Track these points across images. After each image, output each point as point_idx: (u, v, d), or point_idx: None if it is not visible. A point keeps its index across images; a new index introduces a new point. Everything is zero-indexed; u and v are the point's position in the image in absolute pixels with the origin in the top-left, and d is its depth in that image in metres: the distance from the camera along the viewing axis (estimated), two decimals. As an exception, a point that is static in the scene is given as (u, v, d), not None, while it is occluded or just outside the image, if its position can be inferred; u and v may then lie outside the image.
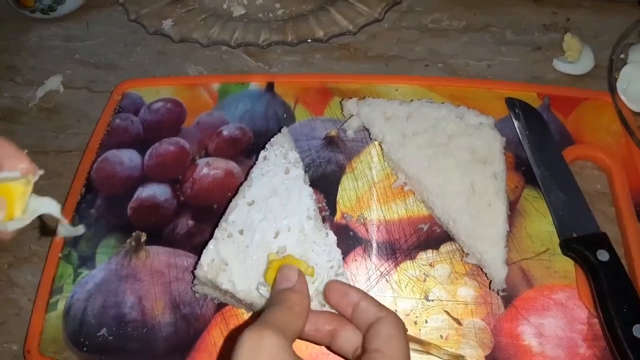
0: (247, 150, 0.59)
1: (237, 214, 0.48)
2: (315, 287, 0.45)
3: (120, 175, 0.57)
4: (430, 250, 0.52)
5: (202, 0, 0.73)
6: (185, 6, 0.71)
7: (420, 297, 0.50)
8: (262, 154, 0.53)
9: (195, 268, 0.47)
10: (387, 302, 0.50)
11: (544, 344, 0.48)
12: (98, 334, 0.49)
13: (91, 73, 0.68)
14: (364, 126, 0.58)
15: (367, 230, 0.53)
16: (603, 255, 0.49)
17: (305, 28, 0.68)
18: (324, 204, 0.55)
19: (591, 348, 0.48)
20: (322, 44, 0.68)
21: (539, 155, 0.56)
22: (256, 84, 0.63)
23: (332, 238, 0.47)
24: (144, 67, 0.68)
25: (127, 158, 0.58)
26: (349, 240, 0.53)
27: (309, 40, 0.67)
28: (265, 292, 0.44)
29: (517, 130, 0.58)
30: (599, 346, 0.48)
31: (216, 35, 0.67)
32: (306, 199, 0.49)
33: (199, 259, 0.48)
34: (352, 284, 0.50)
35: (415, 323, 0.49)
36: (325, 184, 0.56)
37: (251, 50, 0.68)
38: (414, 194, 0.55)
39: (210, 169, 0.57)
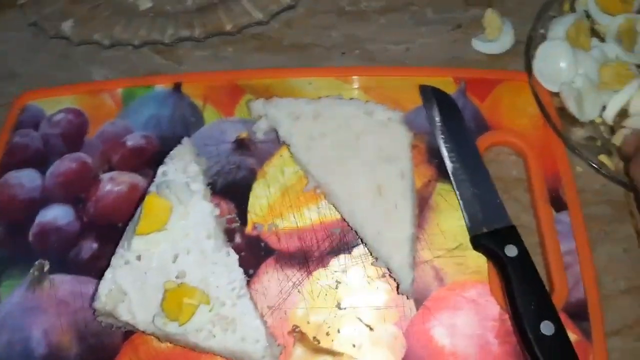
0: (153, 160, 0.56)
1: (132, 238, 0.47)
2: (214, 312, 0.44)
3: (21, 198, 0.55)
4: (342, 256, 0.51)
5: (108, -5, 0.69)
6: (90, 3, 0.67)
7: (333, 306, 0.49)
8: (161, 169, 0.50)
9: (93, 299, 0.46)
10: (299, 314, 0.49)
11: (456, 344, 0.48)
12: (4, 373, 0.48)
13: (-8, 85, 0.65)
14: (273, 127, 0.56)
15: (279, 239, 0.52)
16: (511, 251, 0.48)
17: (215, 20, 0.64)
18: (234, 215, 0.53)
19: (503, 345, 0.48)
20: (233, 36, 0.64)
21: (451, 147, 0.55)
22: (162, 86, 0.60)
23: (234, 257, 0.46)
24: (46, 74, 0.64)
25: (27, 179, 0.56)
26: (260, 251, 0.52)
27: (218, 34, 0.63)
28: (162, 324, 0.43)
29: (430, 120, 0.57)
30: (511, 342, 0.48)
31: (119, 34, 0.64)
32: (206, 216, 0.48)
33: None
34: (263, 297, 0.50)
35: (328, 334, 0.48)
36: (235, 192, 0.54)
37: (159, 48, 0.65)
38: (325, 197, 0.54)
39: (114, 184, 0.55)
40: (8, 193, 0.55)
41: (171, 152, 0.51)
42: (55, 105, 0.60)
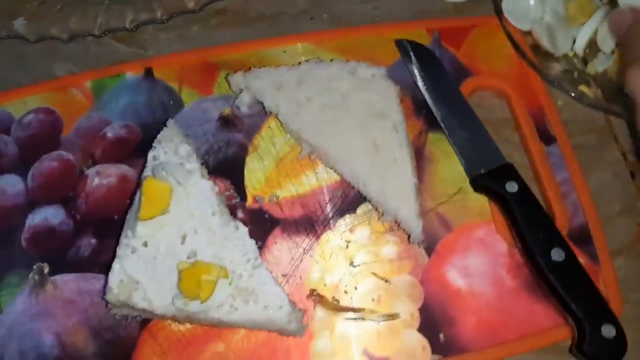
0: (137, 149, 0.54)
1: (135, 225, 0.45)
2: (233, 286, 0.43)
3: (5, 205, 0.52)
4: (347, 216, 0.51)
5: (55, -13, 0.65)
6: (36, -1, 0.64)
7: (346, 265, 0.49)
8: (151, 154, 0.49)
9: (104, 292, 0.44)
10: (314, 278, 0.49)
11: (471, 284, 0.49)
12: (22, 384, 0.46)
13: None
14: (257, 99, 0.55)
15: (281, 209, 0.52)
16: (512, 187, 0.49)
17: None
18: (232, 191, 0.52)
19: (515, 278, 0.49)
20: (197, 14, 0.62)
21: (436, 95, 0.55)
22: (132, 73, 0.58)
23: (243, 230, 0.45)
24: (5, 77, 0.61)
25: (9, 185, 0.53)
26: (265, 223, 0.51)
27: (180, 14, 0.61)
28: (182, 304, 0.42)
29: (411, 73, 0.57)
30: (523, 275, 0.49)
31: (77, 26, 0.61)
32: (207, 194, 0.47)
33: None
34: (276, 267, 0.49)
35: (346, 292, 0.48)
36: (229, 169, 0.53)
37: (120, 35, 0.62)
38: (322, 161, 0.53)
39: (101, 178, 0.53)
40: (-10, 202, 0.52)
41: (158, 136, 0.50)
42: (22, 107, 0.57)
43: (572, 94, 0.56)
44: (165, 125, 0.51)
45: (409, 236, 0.49)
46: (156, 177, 0.46)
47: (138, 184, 0.48)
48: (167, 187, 0.45)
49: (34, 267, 0.49)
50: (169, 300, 0.43)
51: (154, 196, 0.44)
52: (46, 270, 0.49)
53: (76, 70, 0.61)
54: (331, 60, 0.55)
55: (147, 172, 0.47)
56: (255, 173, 0.53)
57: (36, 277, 0.49)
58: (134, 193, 0.50)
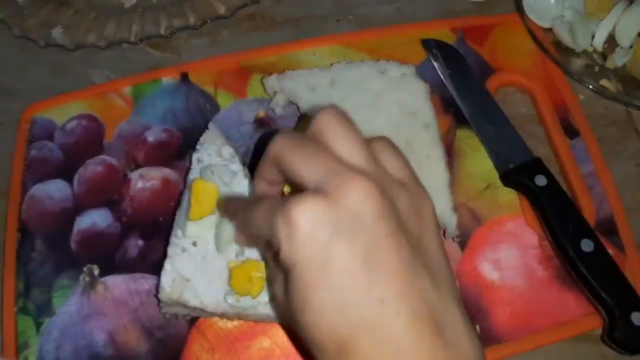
0: (178, 152, 0.56)
1: (185, 226, 0.47)
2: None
3: (53, 210, 0.54)
4: (382, 212, 0.53)
5: (89, -3, 0.67)
6: (72, 7, 0.66)
7: (383, 260, 0.51)
8: (195, 156, 0.51)
9: (157, 291, 0.47)
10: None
11: (504, 277, 0.51)
12: (79, 381, 0.48)
13: (-10, 105, 0.63)
14: (291, 100, 0.57)
15: (317, 206, 0.53)
16: (541, 180, 0.51)
17: (206, 5, 0.64)
18: (269, 190, 0.54)
19: (547, 269, 0.51)
20: (227, 19, 0.64)
21: (463, 92, 0.57)
22: (169, 78, 0.60)
23: (287, 228, 0.47)
24: (45, 85, 0.63)
25: (55, 190, 0.55)
26: (302, 221, 0.53)
27: (213, 19, 0.63)
28: (234, 301, 0.44)
29: (438, 71, 0.59)
30: (554, 266, 0.51)
31: (113, 34, 0.63)
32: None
33: (159, 279, 0.47)
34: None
35: (383, 286, 0.50)
36: (265, 169, 0.55)
37: (155, 42, 0.64)
38: (354, 160, 0.55)
39: (145, 181, 0.55)
40: (38, 207, 0.54)
41: (200, 138, 0.52)
42: (63, 114, 0.59)
43: (594, 88, 0.58)
44: (207, 128, 0.53)
45: (444, 231, 0.51)
46: (204, 178, 0.48)
47: (184, 186, 0.50)
48: (215, 188, 0.47)
49: (84, 269, 0.52)
50: (219, 297, 0.45)
51: (203, 197, 0.46)
52: (96, 271, 0.51)
53: (114, 76, 0.63)
54: (361, 60, 0.57)
55: (194, 173, 0.49)
56: (291, 173, 0.55)
57: (87, 278, 0.51)
58: (179, 195, 0.53)
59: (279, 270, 0.36)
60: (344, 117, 0.35)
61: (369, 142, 0.36)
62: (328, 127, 0.34)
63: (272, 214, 0.32)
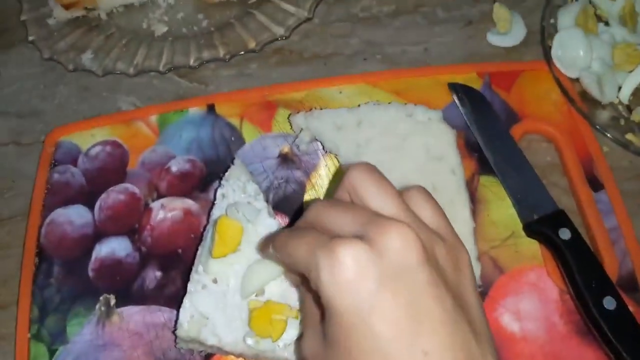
0: (201, 183, 0.56)
1: (207, 262, 0.47)
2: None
3: (73, 235, 0.54)
4: (402, 256, 0.53)
5: (119, 22, 0.68)
6: (102, 32, 0.67)
7: (402, 305, 0.51)
8: (219, 191, 0.51)
9: (175, 327, 0.46)
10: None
11: (524, 329, 0.50)
12: (90, 411, 0.47)
13: (15, 124, 0.63)
14: (316, 138, 0.57)
15: (338, 247, 0.53)
16: (565, 234, 0.51)
17: (235, 38, 0.65)
18: (291, 228, 0.54)
19: (567, 324, 0.50)
20: (256, 52, 0.65)
21: (489, 139, 0.57)
22: (195, 108, 0.61)
23: (308, 270, 0.47)
24: (71, 108, 0.64)
25: (76, 215, 0.55)
26: (322, 261, 0.53)
27: (242, 53, 0.64)
28: (254, 343, 0.44)
29: (464, 116, 0.59)
30: (574, 320, 0.50)
31: (142, 61, 0.64)
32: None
33: (176, 311, 0.46)
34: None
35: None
36: (288, 206, 0.55)
37: (182, 72, 0.65)
38: (377, 201, 0.55)
39: (166, 211, 0.55)
40: (58, 232, 0.54)
41: (226, 173, 0.52)
42: (89, 139, 0.59)
43: (619, 141, 0.58)
44: (231, 162, 0.53)
45: (465, 280, 0.50)
46: (229, 215, 0.47)
47: (207, 220, 0.50)
48: (239, 226, 0.47)
49: (101, 298, 0.51)
50: (238, 337, 0.44)
51: (227, 235, 0.46)
52: (112, 302, 0.51)
53: (140, 103, 0.63)
54: (389, 102, 0.57)
55: (218, 210, 0.49)
56: (313, 211, 0.55)
57: (103, 308, 0.51)
58: (199, 227, 0.53)
59: (314, 305, 0.36)
60: (375, 171, 0.36)
61: (402, 193, 0.36)
62: (361, 182, 0.35)
63: (313, 249, 0.32)
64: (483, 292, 0.51)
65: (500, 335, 0.50)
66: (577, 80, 0.62)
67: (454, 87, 0.60)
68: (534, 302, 0.51)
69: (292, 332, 0.44)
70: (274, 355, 0.44)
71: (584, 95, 0.61)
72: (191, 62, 0.63)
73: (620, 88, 0.61)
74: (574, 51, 0.61)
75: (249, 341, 0.43)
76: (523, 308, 0.51)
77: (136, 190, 0.56)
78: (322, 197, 0.56)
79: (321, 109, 0.57)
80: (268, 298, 0.45)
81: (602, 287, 0.49)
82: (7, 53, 0.68)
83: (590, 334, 0.49)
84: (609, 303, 0.48)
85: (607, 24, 0.65)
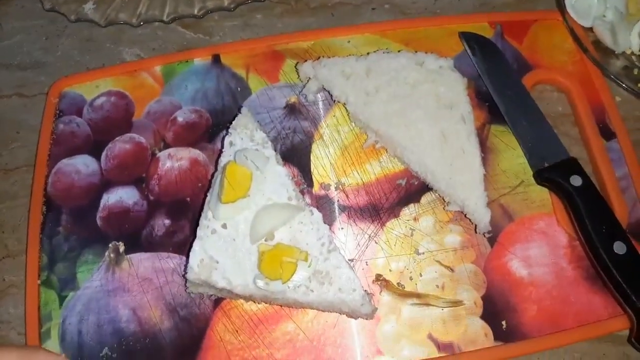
0: (207, 133, 0.56)
1: (216, 208, 0.47)
2: (312, 269, 0.44)
3: (80, 184, 0.54)
4: (412, 205, 0.53)
5: (121, -27, 0.67)
6: (104, -18, 0.65)
7: (411, 252, 0.51)
8: (227, 139, 0.50)
9: (185, 271, 0.46)
10: (380, 263, 0.50)
11: (533, 274, 0.50)
12: (101, 355, 0.48)
13: (18, 76, 0.62)
14: (324, 87, 0.56)
15: (347, 196, 0.53)
16: (576, 181, 0.50)
17: (240, -13, 0.63)
18: (299, 177, 0.54)
19: (576, 269, 0.50)
20: (261, 2, 0.64)
21: (500, 88, 0.56)
22: (200, 59, 0.60)
23: (318, 215, 0.47)
24: (74, 60, 0.63)
25: (83, 165, 0.55)
26: (331, 209, 0.52)
27: (248, 1, 0.62)
28: (264, 285, 0.44)
29: (476, 65, 0.58)
30: (583, 266, 0.50)
31: (145, 11, 0.62)
32: (283, 179, 0.48)
33: (185, 257, 0.46)
34: (342, 252, 0.50)
35: (411, 278, 0.50)
36: (296, 156, 0.55)
37: (186, 22, 0.64)
38: (386, 150, 0.54)
39: (173, 160, 0.55)
40: (65, 181, 0.54)
41: (233, 122, 0.51)
42: (93, 89, 0.59)
43: (632, 90, 0.57)
44: (238, 111, 0.52)
45: (475, 226, 0.50)
46: (238, 162, 0.47)
47: (215, 168, 0.50)
48: (248, 172, 0.47)
49: (110, 245, 0.51)
50: (247, 279, 0.44)
51: (236, 180, 0.46)
52: (122, 248, 0.51)
53: (144, 54, 0.62)
54: (399, 51, 0.56)
55: (226, 157, 0.48)
56: (321, 160, 0.55)
57: (112, 255, 0.51)
58: (207, 176, 0.52)
59: None
60: None
61: None
62: None
63: None
64: (491, 239, 0.51)
65: (508, 280, 0.50)
66: (590, 29, 0.60)
67: (465, 36, 0.59)
68: (543, 249, 0.51)
69: (301, 274, 0.44)
70: (283, 297, 0.44)
71: (598, 44, 0.60)
72: (195, 12, 0.62)
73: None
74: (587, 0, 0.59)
75: (259, 283, 0.43)
76: (532, 254, 0.51)
77: (142, 139, 0.56)
78: (329, 148, 0.55)
79: (329, 57, 0.56)
80: (278, 241, 0.45)
81: (612, 232, 0.48)
82: (8, 4, 0.67)
83: (599, 280, 0.49)
84: (619, 248, 0.48)
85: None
